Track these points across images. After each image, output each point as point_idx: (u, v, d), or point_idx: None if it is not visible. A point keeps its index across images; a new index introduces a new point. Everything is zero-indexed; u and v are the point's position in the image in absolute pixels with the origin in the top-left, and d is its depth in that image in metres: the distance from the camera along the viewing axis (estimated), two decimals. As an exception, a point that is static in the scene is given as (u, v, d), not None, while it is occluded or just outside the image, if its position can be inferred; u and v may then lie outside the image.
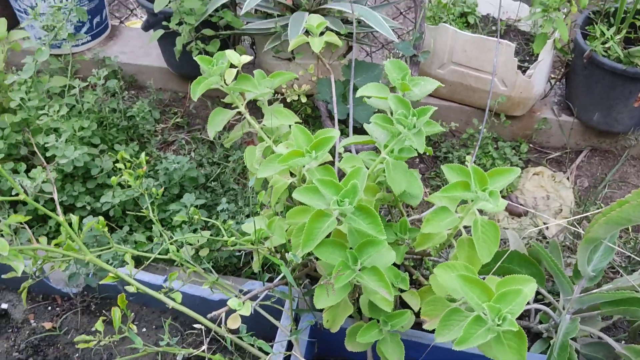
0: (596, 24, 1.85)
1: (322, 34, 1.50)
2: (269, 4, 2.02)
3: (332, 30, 1.85)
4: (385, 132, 1.16)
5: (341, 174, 1.28)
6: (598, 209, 1.88)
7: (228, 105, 1.38)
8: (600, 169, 2.05)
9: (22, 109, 1.71)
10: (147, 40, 2.33)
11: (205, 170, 2.01)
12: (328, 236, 1.04)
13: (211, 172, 2.01)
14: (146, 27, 2.11)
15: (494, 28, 2.03)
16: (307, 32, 1.62)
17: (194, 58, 1.30)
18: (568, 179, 2.02)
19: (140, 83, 2.38)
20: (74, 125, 1.74)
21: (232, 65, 1.26)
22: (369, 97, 1.29)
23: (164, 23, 1.84)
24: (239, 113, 1.33)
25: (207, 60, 1.26)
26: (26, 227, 1.17)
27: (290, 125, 1.32)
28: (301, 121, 1.34)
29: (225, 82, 1.26)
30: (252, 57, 1.31)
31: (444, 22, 1.97)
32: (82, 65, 2.24)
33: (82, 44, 2.34)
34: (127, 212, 1.75)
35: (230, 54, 1.25)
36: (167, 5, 1.80)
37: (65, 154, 1.62)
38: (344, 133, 1.96)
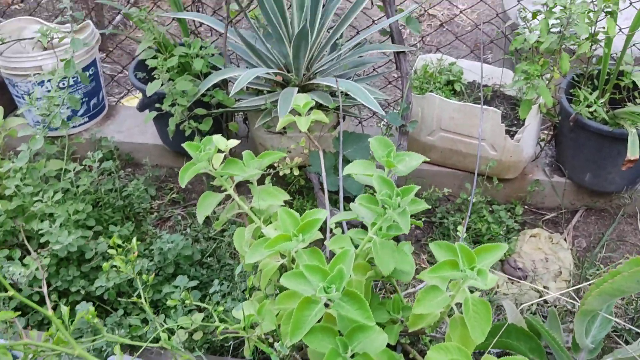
0: (580, 87, 1.88)
1: (312, 108, 1.54)
2: (260, 80, 2.08)
3: (321, 105, 1.90)
4: (371, 212, 1.17)
5: (332, 253, 1.27)
6: (597, 270, 1.86)
7: (218, 187, 1.40)
8: (597, 228, 2.04)
9: (17, 195, 1.73)
10: (142, 119, 2.38)
11: (201, 246, 2.00)
12: (319, 320, 1.03)
13: (207, 247, 2.01)
14: (141, 107, 2.16)
15: (479, 94, 2.07)
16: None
17: (183, 145, 1.32)
18: (565, 239, 2.01)
19: (136, 161, 2.42)
20: (68, 209, 1.76)
21: (219, 150, 1.28)
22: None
23: (157, 105, 1.89)
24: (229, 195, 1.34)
25: (194, 146, 1.28)
26: (16, 321, 1.17)
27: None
28: (291, 198, 1.35)
29: (213, 167, 1.28)
30: (238, 142, 1.34)
31: (431, 91, 2.02)
32: (78, 147, 2.28)
33: (80, 125, 2.39)
34: (122, 293, 1.74)
35: (218, 140, 1.27)
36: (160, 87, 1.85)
37: (59, 239, 1.62)
38: (335, 204, 1.97)
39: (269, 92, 2.05)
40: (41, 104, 1.96)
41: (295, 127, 2.02)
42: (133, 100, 2.80)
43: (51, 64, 2.18)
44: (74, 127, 2.38)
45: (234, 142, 1.30)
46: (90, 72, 2.33)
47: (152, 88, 1.79)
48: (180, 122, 1.94)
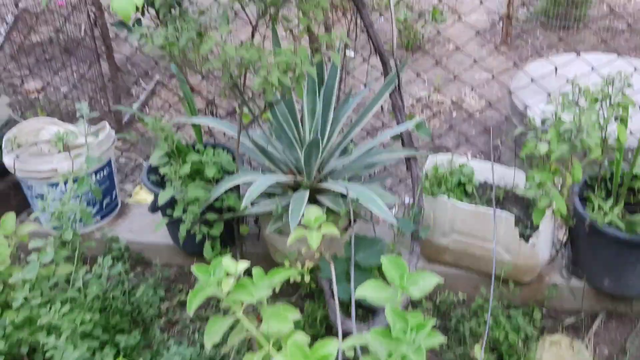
0: (593, 191, 1.87)
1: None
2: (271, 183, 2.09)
3: (331, 210, 1.89)
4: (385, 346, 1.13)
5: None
6: (623, 384, 1.77)
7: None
8: (619, 335, 1.96)
9: (24, 307, 1.71)
10: (154, 218, 2.39)
11: (210, 354, 1.94)
12: None
13: (215, 354, 1.95)
14: (153, 209, 2.17)
15: (492, 196, 2.06)
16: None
17: (192, 269, 1.31)
18: (587, 347, 1.93)
19: (146, 260, 2.40)
20: (76, 319, 1.72)
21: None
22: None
23: (168, 211, 1.89)
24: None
25: (204, 270, 1.26)
26: None
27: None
28: (301, 319, 1.31)
29: (222, 291, 1.25)
30: (248, 264, 1.32)
31: (443, 192, 2.01)
32: (89, 248, 2.28)
33: (97, 222, 2.40)
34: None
35: (228, 263, 1.26)
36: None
37: (64, 355, 1.58)
38: (347, 309, 1.92)
39: (280, 195, 2.05)
40: (54, 206, 1.98)
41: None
42: (142, 196, 2.81)
43: (67, 166, 2.21)
44: (94, 223, 2.39)
45: (243, 266, 1.28)
46: (105, 172, 2.36)
47: (164, 196, 1.80)
48: (191, 226, 1.93)
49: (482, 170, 2.15)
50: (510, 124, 3.19)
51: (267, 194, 2.10)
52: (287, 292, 2.17)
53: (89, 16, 4.01)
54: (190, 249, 2.20)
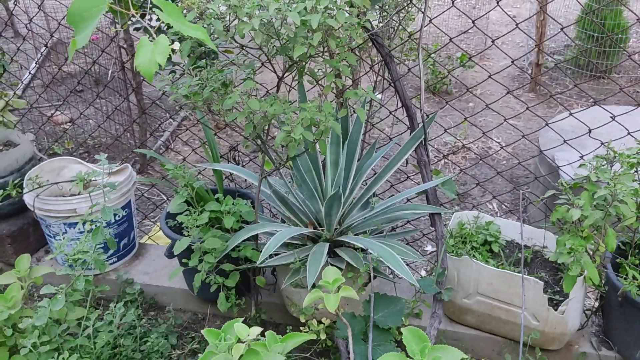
0: (626, 258, 1.78)
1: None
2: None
3: (350, 264, 1.83)
4: None
5: None
6: None
7: None
8: (655, 414, 1.84)
9: (32, 353, 1.66)
10: (170, 261, 2.35)
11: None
12: None
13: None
14: (169, 255, 2.13)
15: (519, 255, 1.98)
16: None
17: (202, 332, 1.25)
18: None
19: (160, 304, 2.35)
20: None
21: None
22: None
23: (184, 260, 1.85)
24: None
25: (214, 334, 1.21)
26: None
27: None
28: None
29: (233, 357, 1.19)
30: (261, 329, 1.26)
31: (467, 251, 1.93)
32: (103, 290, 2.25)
33: (112, 263, 2.37)
34: None
35: (239, 328, 1.20)
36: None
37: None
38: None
39: (299, 246, 2.00)
40: (71, 246, 1.96)
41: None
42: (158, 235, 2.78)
43: (86, 207, 2.20)
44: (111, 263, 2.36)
45: (256, 330, 1.22)
46: (124, 213, 2.34)
47: (180, 246, 1.76)
48: (206, 276, 1.89)
49: (509, 228, 2.07)
50: (538, 173, 3.12)
51: (286, 244, 2.05)
52: (302, 348, 2.09)
53: (120, 52, 4.08)
54: (205, 296, 2.15)
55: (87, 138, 4.64)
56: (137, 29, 4.08)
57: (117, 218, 2.31)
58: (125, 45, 4.00)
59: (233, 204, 1.84)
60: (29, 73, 4.99)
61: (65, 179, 2.35)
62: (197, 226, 1.80)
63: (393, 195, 2.09)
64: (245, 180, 2.64)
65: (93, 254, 1.73)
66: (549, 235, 2.02)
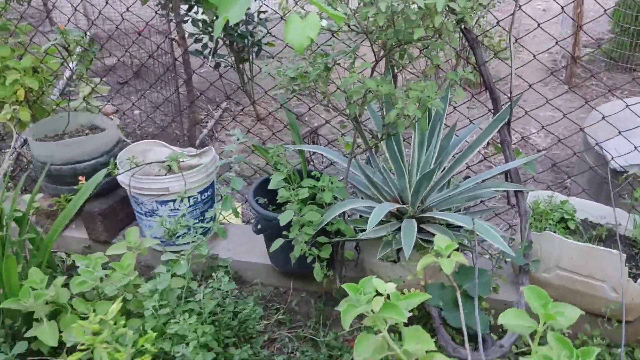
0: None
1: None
2: (370, 209, 2.16)
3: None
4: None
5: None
6: None
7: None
8: None
9: (153, 316, 1.80)
10: (250, 238, 2.49)
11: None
12: None
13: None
14: (257, 231, 2.26)
15: (594, 233, 2.09)
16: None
17: (344, 286, 1.38)
18: (694, 390, 1.91)
19: (243, 278, 2.49)
20: (197, 330, 1.81)
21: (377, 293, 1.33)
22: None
23: (285, 233, 1.97)
24: (383, 338, 1.37)
25: (354, 288, 1.34)
26: None
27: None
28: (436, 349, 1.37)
29: (372, 310, 1.32)
30: (394, 286, 1.38)
31: (545, 228, 2.05)
32: (196, 264, 2.38)
33: (193, 242, 2.50)
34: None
35: (377, 283, 1.33)
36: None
37: (193, 364, 1.66)
38: (455, 341, 1.96)
39: (382, 222, 2.12)
40: (162, 220, 2.10)
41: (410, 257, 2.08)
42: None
43: (177, 186, 2.34)
44: (187, 244, 2.49)
45: (392, 286, 1.34)
46: (209, 193, 2.47)
47: (285, 218, 1.89)
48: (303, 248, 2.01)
49: (581, 208, 2.18)
50: (582, 162, 3.21)
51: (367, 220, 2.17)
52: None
53: (172, 44, 4.21)
54: (290, 267, 2.28)
55: (135, 128, 4.79)
56: (184, 22, 4.22)
57: (203, 197, 2.44)
58: (177, 37, 4.13)
59: (330, 181, 1.97)
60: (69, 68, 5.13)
61: (151, 160, 2.49)
62: (298, 201, 1.92)
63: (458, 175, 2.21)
64: (322, 161, 2.77)
65: (195, 222, 1.86)
66: (619, 212, 2.13)
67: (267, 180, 2.41)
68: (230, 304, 2.07)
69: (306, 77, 1.77)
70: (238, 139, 1.87)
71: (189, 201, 2.40)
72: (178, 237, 2.42)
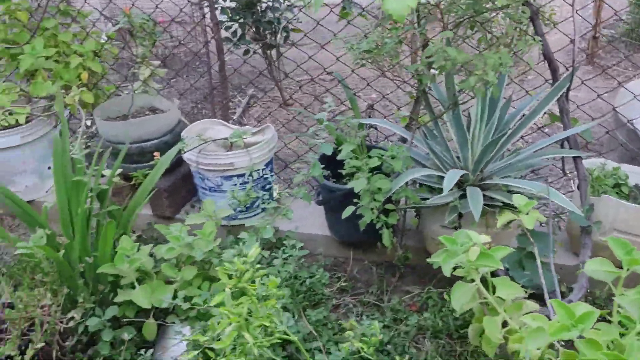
0: None
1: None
2: (433, 179, 2.26)
3: (493, 205, 2.05)
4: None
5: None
6: None
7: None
8: None
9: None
10: (308, 211, 2.60)
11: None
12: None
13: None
14: (320, 202, 2.37)
15: (647, 197, 2.19)
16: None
17: (440, 238, 1.48)
18: None
19: (303, 249, 2.59)
20: (277, 294, 1.92)
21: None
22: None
23: (355, 201, 2.08)
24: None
25: (451, 240, 1.44)
26: None
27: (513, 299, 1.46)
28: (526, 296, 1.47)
29: (469, 258, 1.42)
30: (489, 239, 1.48)
31: (600, 193, 2.15)
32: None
33: (254, 215, 2.61)
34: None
35: (472, 234, 1.43)
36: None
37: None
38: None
39: (441, 189, 2.22)
40: (229, 195, 2.21)
41: (469, 223, 2.18)
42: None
43: (242, 161, 2.44)
44: (248, 217, 2.60)
45: (485, 238, 1.45)
46: (269, 168, 2.58)
47: (359, 185, 1.99)
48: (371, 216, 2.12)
49: (632, 174, 2.28)
50: (611, 140, 3.30)
51: (430, 189, 2.28)
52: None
53: (205, 31, 4.30)
54: (351, 237, 2.40)
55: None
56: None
57: (264, 172, 2.55)
58: (211, 25, 4.21)
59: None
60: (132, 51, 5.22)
61: (211, 138, 2.59)
62: (368, 170, 2.03)
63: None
64: (376, 134, 2.87)
65: (264, 193, 1.96)
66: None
67: (325, 155, 2.52)
68: (302, 270, 2.17)
69: (380, 50, 1.86)
70: (330, 106, 1.97)
71: (251, 176, 2.50)
72: (241, 211, 2.54)
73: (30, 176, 2.73)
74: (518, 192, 2.12)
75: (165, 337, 2.03)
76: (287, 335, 1.41)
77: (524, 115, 2.16)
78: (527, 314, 1.39)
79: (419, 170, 2.11)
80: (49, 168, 2.79)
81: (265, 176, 2.57)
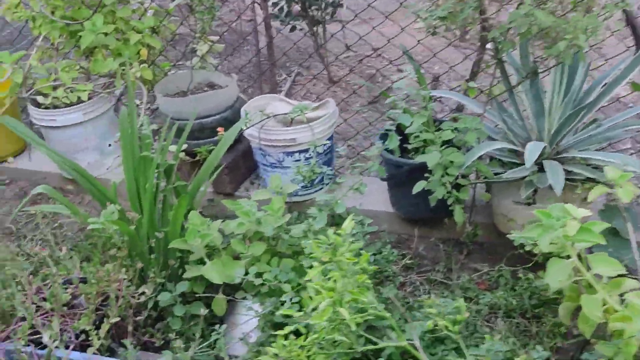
0: None
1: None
2: (503, 152, 2.17)
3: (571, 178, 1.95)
4: None
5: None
6: None
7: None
8: None
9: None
10: (370, 187, 2.53)
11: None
12: None
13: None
14: (388, 178, 2.31)
15: None
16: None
17: (535, 212, 1.41)
18: None
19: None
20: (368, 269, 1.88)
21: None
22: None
23: (426, 175, 2.01)
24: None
25: (546, 214, 1.36)
26: None
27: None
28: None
29: (567, 232, 1.34)
30: (589, 211, 1.40)
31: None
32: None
33: (315, 191, 2.56)
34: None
35: (570, 208, 1.35)
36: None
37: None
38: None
39: (515, 164, 2.13)
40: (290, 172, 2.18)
41: (544, 198, 2.09)
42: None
43: (304, 136, 2.40)
44: (309, 193, 2.56)
45: (584, 212, 1.37)
46: (329, 144, 2.53)
47: (432, 159, 1.92)
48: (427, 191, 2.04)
49: None
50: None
51: (502, 164, 2.19)
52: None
53: (254, 7, 4.23)
54: (416, 213, 2.33)
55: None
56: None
57: (325, 148, 2.49)
58: (259, 1, 4.14)
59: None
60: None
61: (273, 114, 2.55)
62: (441, 143, 1.96)
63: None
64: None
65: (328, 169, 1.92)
66: None
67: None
68: (371, 247, 2.13)
69: (455, 16, 1.77)
70: (408, 74, 1.90)
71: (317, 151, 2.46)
72: (304, 187, 2.50)
73: (92, 153, 2.74)
74: (597, 166, 2.02)
75: (234, 312, 2.02)
76: (379, 311, 1.36)
77: (605, 84, 2.05)
78: (628, 292, 1.32)
79: (493, 143, 2.02)
80: (110, 145, 2.80)
81: (326, 152, 2.52)
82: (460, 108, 2.45)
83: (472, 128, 1.97)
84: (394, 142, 1.93)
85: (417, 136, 2.02)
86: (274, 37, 4.10)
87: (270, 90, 4.27)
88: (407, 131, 2.07)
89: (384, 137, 2.38)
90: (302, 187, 2.47)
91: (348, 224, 1.36)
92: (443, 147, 2.03)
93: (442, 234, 2.44)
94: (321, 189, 2.59)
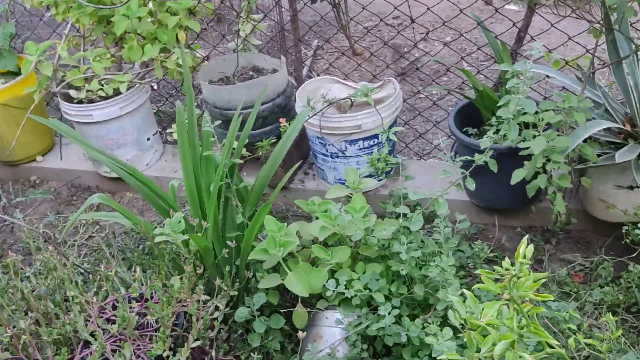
0: None
1: None
2: (604, 133, 1.96)
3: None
4: None
5: None
6: None
7: None
8: None
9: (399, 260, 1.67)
10: (431, 175, 2.32)
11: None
12: None
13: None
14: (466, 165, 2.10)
15: None
16: None
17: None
18: None
19: (429, 216, 2.34)
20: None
21: None
22: None
23: (526, 162, 1.79)
24: None
25: None
26: None
27: None
28: None
29: None
30: None
31: None
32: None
33: (379, 180, 2.35)
34: None
35: None
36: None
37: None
38: None
39: (616, 145, 1.92)
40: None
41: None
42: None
43: (370, 122, 2.17)
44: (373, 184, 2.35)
45: None
46: (393, 129, 2.30)
47: (538, 145, 1.70)
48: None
49: None
50: None
51: (598, 144, 1.97)
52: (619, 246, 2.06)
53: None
54: (498, 202, 2.14)
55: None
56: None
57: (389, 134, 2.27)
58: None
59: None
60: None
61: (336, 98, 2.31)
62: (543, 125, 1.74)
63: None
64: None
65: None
66: None
67: (464, 108, 2.24)
68: (462, 244, 1.94)
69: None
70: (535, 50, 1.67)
71: (377, 139, 2.24)
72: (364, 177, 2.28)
73: (131, 149, 2.51)
74: None
75: (314, 324, 1.82)
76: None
77: None
78: None
79: (599, 123, 1.80)
80: (148, 139, 2.57)
81: (392, 139, 2.30)
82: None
83: (576, 107, 1.74)
84: (512, 132, 1.68)
85: (511, 119, 1.78)
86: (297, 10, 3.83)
87: (294, 67, 4.02)
88: (498, 113, 1.83)
89: (460, 116, 2.17)
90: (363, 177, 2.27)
91: (527, 249, 1.12)
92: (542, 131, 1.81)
93: (525, 223, 2.24)
94: (383, 178, 2.37)
